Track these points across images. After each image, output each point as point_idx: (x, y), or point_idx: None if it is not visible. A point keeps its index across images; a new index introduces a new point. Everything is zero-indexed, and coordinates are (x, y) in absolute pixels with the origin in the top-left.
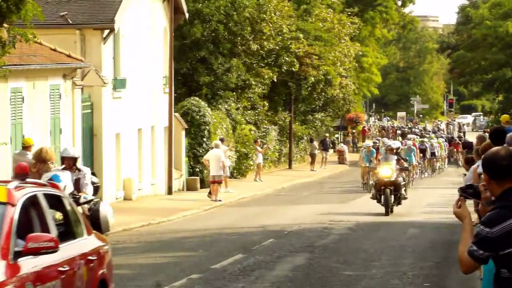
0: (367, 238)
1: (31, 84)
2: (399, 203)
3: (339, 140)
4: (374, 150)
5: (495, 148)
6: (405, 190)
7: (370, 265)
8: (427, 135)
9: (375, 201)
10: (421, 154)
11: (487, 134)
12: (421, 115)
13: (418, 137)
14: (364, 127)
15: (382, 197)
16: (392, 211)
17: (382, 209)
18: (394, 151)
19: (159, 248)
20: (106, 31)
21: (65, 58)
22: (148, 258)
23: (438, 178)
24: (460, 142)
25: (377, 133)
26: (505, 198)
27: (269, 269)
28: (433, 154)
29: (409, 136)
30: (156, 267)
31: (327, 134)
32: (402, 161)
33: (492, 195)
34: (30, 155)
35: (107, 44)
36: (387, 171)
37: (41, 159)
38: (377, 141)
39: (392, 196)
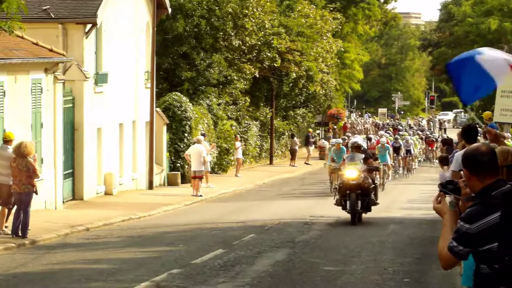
0: (348, 234)
1: (12, 78)
2: (368, 210)
3: (320, 136)
4: (344, 148)
5: (476, 144)
6: (375, 194)
7: (351, 261)
8: (401, 132)
9: (340, 207)
10: (395, 154)
11: None
12: (402, 112)
13: (391, 134)
14: (345, 123)
15: (348, 203)
16: (360, 220)
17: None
18: (362, 148)
19: (140, 243)
20: (89, 26)
21: (47, 52)
22: (129, 252)
23: (417, 175)
24: (434, 139)
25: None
26: (485, 194)
27: (250, 264)
28: (408, 152)
29: (380, 133)
30: (136, 261)
31: (310, 130)
32: (371, 160)
33: (472, 191)
34: (10, 149)
35: (89, 39)
36: (352, 172)
37: (21, 154)
38: (346, 138)
39: (359, 202)
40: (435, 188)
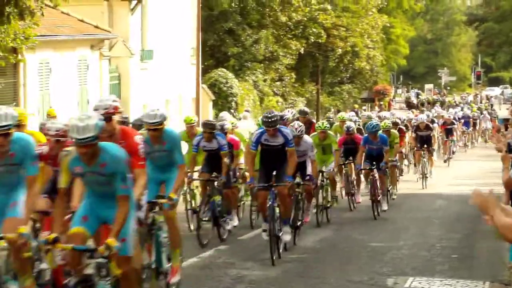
0: (394, 210)
1: (58, 55)
2: None
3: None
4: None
5: None
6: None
7: (398, 237)
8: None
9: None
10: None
11: None
12: (448, 87)
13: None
14: (391, 99)
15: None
16: None
17: None
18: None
19: (185, 218)
20: (134, 2)
21: (93, 29)
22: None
23: (464, 151)
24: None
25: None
26: None
27: (296, 240)
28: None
29: (287, 114)
30: (183, 237)
31: (356, 106)
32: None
33: None
34: None
35: (135, 15)
36: None
37: None
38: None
39: None
40: (483, 165)
